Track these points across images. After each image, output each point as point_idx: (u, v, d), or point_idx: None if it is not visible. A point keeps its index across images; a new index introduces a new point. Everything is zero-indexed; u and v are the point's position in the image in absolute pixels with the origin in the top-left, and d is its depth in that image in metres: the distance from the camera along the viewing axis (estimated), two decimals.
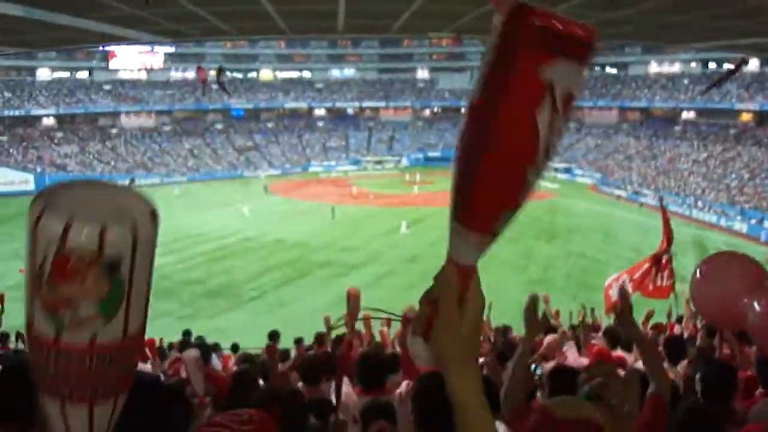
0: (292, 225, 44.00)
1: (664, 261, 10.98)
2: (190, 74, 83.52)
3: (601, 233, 41.68)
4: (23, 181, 57.57)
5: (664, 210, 12.44)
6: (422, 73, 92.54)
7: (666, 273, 10.92)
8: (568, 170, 69.38)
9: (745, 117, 65.08)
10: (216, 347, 11.48)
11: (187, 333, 13.52)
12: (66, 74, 75.54)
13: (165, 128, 77.73)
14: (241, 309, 26.83)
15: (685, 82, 71.28)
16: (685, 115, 71.32)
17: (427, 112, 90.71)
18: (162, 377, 6.20)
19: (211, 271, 32.91)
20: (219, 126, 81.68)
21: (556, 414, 1.59)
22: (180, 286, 29.99)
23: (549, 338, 6.71)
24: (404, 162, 79.49)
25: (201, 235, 41.03)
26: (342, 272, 31.99)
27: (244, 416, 1.65)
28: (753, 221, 43.74)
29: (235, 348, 13.15)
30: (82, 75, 76.83)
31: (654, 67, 76.56)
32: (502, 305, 24.61)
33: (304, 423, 3.74)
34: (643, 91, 74.52)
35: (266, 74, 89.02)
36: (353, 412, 4.01)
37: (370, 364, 4.43)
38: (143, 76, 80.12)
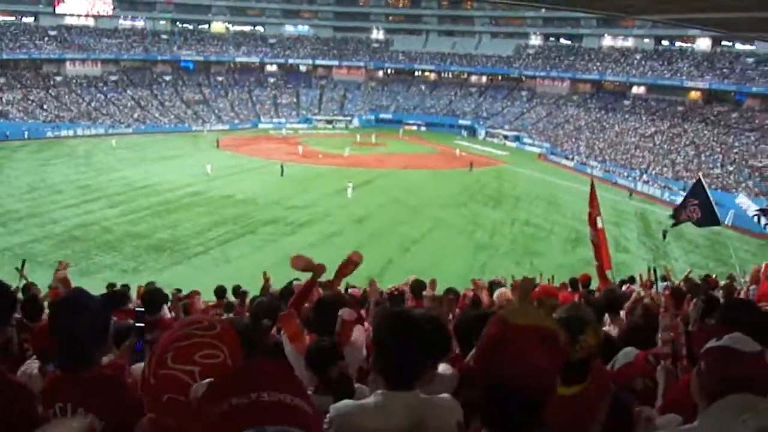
0: (240, 181, 43.47)
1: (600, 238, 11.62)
2: (140, 23, 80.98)
3: (546, 201, 42.42)
4: None
5: (593, 189, 12.47)
6: (377, 34, 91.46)
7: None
8: (517, 138, 70.05)
9: (694, 95, 66.78)
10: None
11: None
12: (10, 18, 72.24)
13: (111, 78, 75.24)
14: (186, 264, 26.46)
15: (638, 57, 72.40)
16: (635, 90, 72.52)
17: (380, 73, 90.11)
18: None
19: (155, 225, 32.24)
20: (167, 78, 79.57)
21: (510, 321, 1.69)
22: (123, 239, 29.44)
23: (499, 291, 7.03)
24: (355, 122, 79.14)
25: (146, 188, 40.21)
26: (289, 231, 31.87)
27: (205, 323, 1.60)
28: None
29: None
30: (27, 20, 73.56)
31: (608, 41, 77.25)
32: (449, 267, 25.13)
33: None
34: (596, 63, 75.33)
35: (218, 26, 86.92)
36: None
37: (325, 308, 4.02)
38: (90, 22, 77.11)
